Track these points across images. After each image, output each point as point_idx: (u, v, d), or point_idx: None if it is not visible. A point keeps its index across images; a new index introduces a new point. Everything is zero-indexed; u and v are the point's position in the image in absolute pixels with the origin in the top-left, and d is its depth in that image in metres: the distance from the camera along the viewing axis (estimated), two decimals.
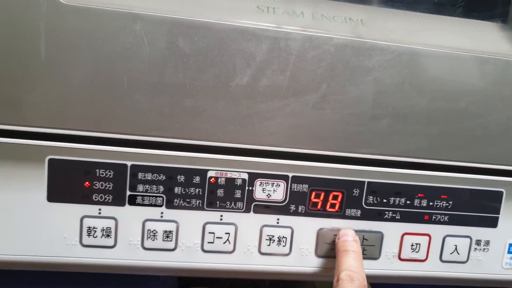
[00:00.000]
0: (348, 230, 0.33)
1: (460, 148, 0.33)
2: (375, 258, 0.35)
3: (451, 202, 0.35)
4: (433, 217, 0.35)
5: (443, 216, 0.35)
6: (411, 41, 0.32)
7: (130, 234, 0.31)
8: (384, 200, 0.34)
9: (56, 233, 0.31)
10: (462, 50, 0.32)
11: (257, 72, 0.30)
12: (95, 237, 0.31)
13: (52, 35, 0.28)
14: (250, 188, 0.32)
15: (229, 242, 0.32)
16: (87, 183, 0.30)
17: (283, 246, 0.33)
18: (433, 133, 0.33)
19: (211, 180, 0.31)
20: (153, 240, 0.31)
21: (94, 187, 0.30)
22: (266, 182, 0.32)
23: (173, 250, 0.32)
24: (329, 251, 0.34)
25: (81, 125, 0.29)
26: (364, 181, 0.33)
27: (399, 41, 0.31)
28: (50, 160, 0.30)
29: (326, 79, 0.31)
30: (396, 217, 0.34)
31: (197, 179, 0.31)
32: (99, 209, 0.31)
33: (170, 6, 0.29)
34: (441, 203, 0.34)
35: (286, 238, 0.33)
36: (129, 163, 0.30)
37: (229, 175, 0.32)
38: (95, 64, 0.28)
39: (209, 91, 0.30)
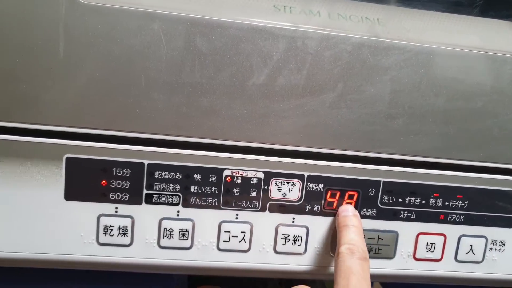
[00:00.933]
0: (347, 206, 0.33)
1: (477, 148, 0.33)
2: (390, 258, 0.34)
3: (466, 202, 0.34)
4: (449, 217, 0.34)
5: (458, 216, 0.35)
6: (428, 40, 0.32)
7: (146, 233, 0.31)
8: (400, 200, 0.34)
9: (73, 231, 0.31)
10: (479, 49, 0.32)
11: (274, 71, 0.30)
12: (112, 235, 0.31)
13: (70, 34, 0.28)
14: (266, 187, 0.32)
15: (245, 241, 0.32)
16: (104, 181, 0.30)
17: (298, 245, 0.33)
18: (449, 132, 0.32)
19: (227, 179, 0.31)
20: (169, 238, 0.32)
21: (111, 185, 0.30)
22: (282, 181, 0.32)
23: (189, 248, 0.32)
24: None
25: (99, 124, 0.29)
26: (380, 181, 0.33)
27: (416, 40, 0.31)
28: (67, 158, 0.30)
29: (343, 78, 0.31)
30: (411, 217, 0.34)
31: (213, 178, 0.31)
32: (116, 208, 0.31)
33: (188, 5, 0.29)
34: (457, 203, 0.34)
35: (301, 237, 0.33)
36: (146, 162, 0.30)
37: (245, 174, 0.32)
38: (113, 63, 0.28)
39: (226, 90, 0.30)
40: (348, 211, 0.32)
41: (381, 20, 0.32)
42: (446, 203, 0.34)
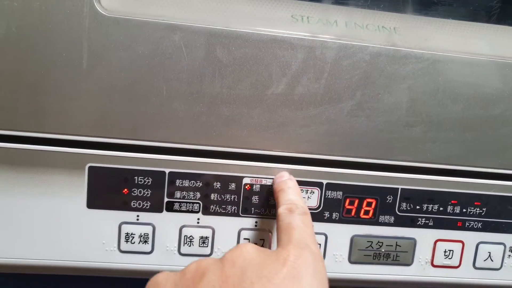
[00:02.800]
0: (282, 172, 0.32)
1: (494, 155, 0.33)
2: (408, 264, 0.35)
3: (484, 209, 0.34)
4: (466, 223, 0.35)
5: (476, 223, 0.35)
6: (445, 48, 0.32)
7: (167, 240, 0.32)
8: (417, 207, 0.34)
9: (95, 239, 0.31)
10: (496, 57, 0.32)
11: (293, 81, 0.30)
12: (133, 243, 0.31)
13: (93, 46, 0.28)
14: None
15: None
16: (125, 190, 0.31)
17: None
18: (467, 140, 0.33)
19: (246, 187, 0.32)
20: (189, 246, 0.32)
21: (132, 194, 0.31)
22: (301, 189, 0.32)
23: (208, 255, 0.32)
24: (363, 257, 0.34)
25: (121, 133, 0.30)
26: (398, 188, 0.33)
27: (433, 49, 0.31)
28: (90, 167, 0.30)
29: (361, 87, 0.31)
30: (429, 224, 0.34)
31: (232, 186, 0.32)
32: (137, 216, 0.31)
33: (208, 17, 0.30)
34: (475, 210, 0.34)
35: (319, 244, 0.33)
36: (167, 170, 0.31)
37: (263, 182, 0.32)
38: (135, 73, 0.29)
39: (246, 99, 0.30)
40: (283, 176, 0.32)
41: (398, 29, 0.33)
42: (464, 210, 0.34)
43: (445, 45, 0.32)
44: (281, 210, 0.28)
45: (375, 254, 0.34)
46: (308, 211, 0.29)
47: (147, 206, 0.31)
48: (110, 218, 0.31)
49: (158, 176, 0.31)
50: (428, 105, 0.32)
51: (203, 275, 0.23)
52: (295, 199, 0.29)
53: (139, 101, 0.29)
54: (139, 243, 0.32)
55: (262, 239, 0.33)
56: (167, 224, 0.32)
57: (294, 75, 0.30)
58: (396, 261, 0.34)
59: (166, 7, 0.30)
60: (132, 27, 0.28)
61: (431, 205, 0.34)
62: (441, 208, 0.34)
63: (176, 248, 0.32)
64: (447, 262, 0.35)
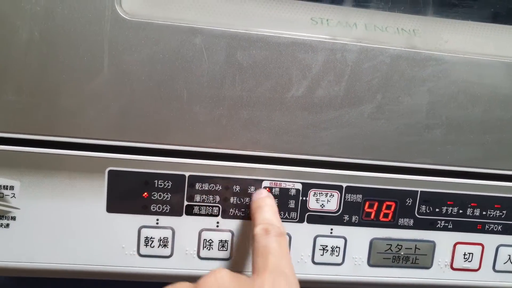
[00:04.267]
0: (260, 190, 0.31)
1: None
2: (427, 267, 0.34)
3: (504, 212, 0.34)
4: (486, 226, 0.34)
5: (496, 225, 0.34)
6: (465, 50, 0.32)
7: (186, 244, 0.32)
8: (437, 210, 0.34)
9: (115, 243, 0.31)
10: None
11: (313, 83, 0.30)
12: (152, 247, 0.31)
13: (114, 49, 0.28)
14: (304, 198, 0.32)
15: None
16: (145, 194, 0.31)
17: (336, 255, 0.33)
18: (487, 142, 0.32)
19: (266, 190, 0.32)
20: (209, 249, 0.32)
21: (152, 197, 0.31)
22: (320, 192, 0.32)
23: (228, 259, 0.32)
24: (382, 260, 0.34)
25: (141, 137, 0.30)
26: (417, 191, 0.33)
27: (453, 51, 0.31)
28: (110, 171, 0.30)
29: (381, 90, 0.31)
30: (449, 227, 0.34)
31: (252, 189, 0.32)
32: (157, 220, 0.31)
33: (229, 20, 0.30)
34: (494, 213, 0.34)
35: (339, 248, 0.33)
36: (187, 174, 0.31)
37: (283, 185, 0.32)
38: (155, 77, 0.29)
39: (266, 102, 0.30)
40: (261, 193, 0.31)
41: (417, 31, 0.32)
42: (484, 213, 0.34)
43: (465, 47, 0.32)
44: (257, 230, 0.28)
45: (394, 257, 0.34)
46: (285, 232, 0.29)
47: (166, 210, 0.31)
48: (130, 222, 0.31)
49: (178, 179, 0.31)
50: (448, 108, 0.32)
51: None
52: (271, 219, 0.29)
53: (159, 105, 0.29)
54: (158, 247, 0.31)
55: None
56: (186, 227, 0.31)
57: (314, 77, 0.30)
58: (415, 264, 0.34)
59: (186, 10, 0.29)
60: (153, 31, 0.28)
61: (451, 208, 0.34)
62: (460, 211, 0.34)
63: (196, 252, 0.32)
64: (466, 265, 0.35)
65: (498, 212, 0.34)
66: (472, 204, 0.34)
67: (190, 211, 0.31)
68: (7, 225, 0.30)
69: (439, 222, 0.34)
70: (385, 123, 0.31)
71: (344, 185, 0.32)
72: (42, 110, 0.28)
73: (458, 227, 0.34)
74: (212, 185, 0.31)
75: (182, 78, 0.29)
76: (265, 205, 0.30)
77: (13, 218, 0.30)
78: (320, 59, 0.30)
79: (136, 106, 0.29)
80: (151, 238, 0.31)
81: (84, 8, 0.28)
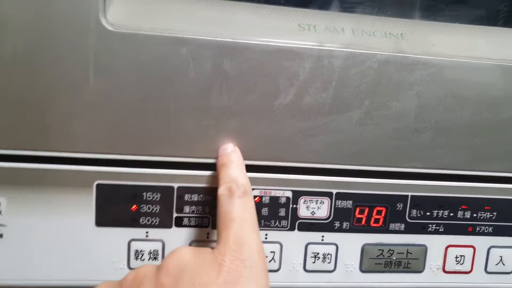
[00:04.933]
0: (226, 145, 0.30)
1: (504, 159, 0.33)
2: (419, 271, 0.34)
3: (495, 213, 0.34)
4: (477, 228, 0.34)
5: (487, 227, 0.34)
6: (453, 54, 0.31)
7: None
8: (428, 213, 0.34)
9: (105, 257, 0.31)
10: (505, 61, 0.32)
11: (301, 91, 0.30)
12: (143, 260, 0.31)
13: (100, 62, 0.28)
14: (294, 206, 0.32)
15: (274, 261, 0.32)
16: (134, 206, 0.30)
17: (328, 263, 0.33)
18: (476, 145, 0.32)
19: (256, 199, 0.31)
20: None
21: (141, 210, 0.30)
22: (310, 199, 0.32)
23: None
24: (374, 266, 0.34)
25: (129, 150, 0.29)
26: (408, 195, 0.33)
27: (441, 55, 0.31)
28: (98, 185, 0.30)
29: (369, 95, 0.31)
30: (440, 230, 0.34)
31: None
32: (147, 232, 0.31)
33: (215, 29, 0.29)
34: (485, 214, 0.34)
35: (331, 254, 0.33)
36: (175, 185, 0.30)
37: (273, 193, 0.32)
38: (142, 88, 0.28)
39: (253, 111, 0.30)
40: (227, 148, 0.29)
41: (405, 35, 0.32)
42: (474, 215, 0.34)
43: (452, 50, 0.32)
44: (221, 190, 0.26)
45: (386, 262, 0.34)
46: (250, 190, 0.27)
47: (156, 222, 0.31)
48: (119, 236, 0.31)
49: (166, 191, 0.30)
50: (436, 111, 0.32)
51: (139, 286, 0.22)
52: (236, 176, 0.27)
53: (146, 116, 0.29)
54: (148, 260, 0.31)
55: (272, 252, 0.32)
56: (176, 240, 0.31)
57: (302, 85, 0.30)
58: (407, 269, 0.34)
59: (172, 20, 0.29)
60: (139, 42, 0.28)
61: (441, 211, 0.34)
62: (451, 214, 0.34)
63: None
64: (458, 267, 0.35)
65: (488, 214, 0.34)
66: (462, 206, 0.34)
67: (179, 223, 0.31)
68: None
69: (430, 225, 0.34)
70: (374, 129, 0.31)
71: (334, 191, 0.32)
72: (26, 125, 0.28)
73: (449, 230, 0.34)
74: (201, 196, 0.31)
75: (169, 89, 0.29)
76: (230, 162, 0.28)
77: (0, 236, 0.30)
78: (307, 66, 0.30)
79: (123, 118, 0.29)
80: (141, 251, 0.31)
81: (69, 21, 0.27)
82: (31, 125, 0.28)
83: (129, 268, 0.31)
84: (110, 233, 0.30)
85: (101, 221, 0.30)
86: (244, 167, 0.29)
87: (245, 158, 0.30)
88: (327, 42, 0.30)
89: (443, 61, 0.31)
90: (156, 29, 0.28)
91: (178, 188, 0.30)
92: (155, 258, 0.31)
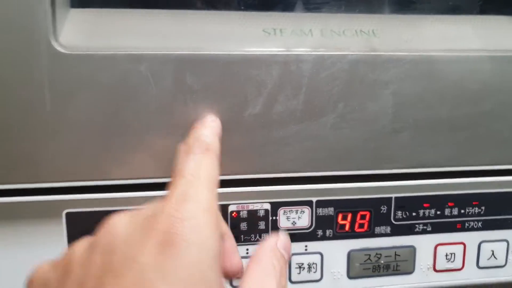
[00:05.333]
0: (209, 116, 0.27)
1: (488, 152, 0.32)
2: (409, 273, 0.33)
3: (483, 208, 0.33)
4: (466, 224, 0.33)
5: (476, 222, 0.33)
6: (428, 48, 0.30)
7: None
8: (414, 214, 0.33)
9: None
10: (482, 51, 0.30)
11: (270, 99, 0.29)
12: None
13: (56, 86, 0.26)
14: (274, 218, 0.31)
15: None
16: None
17: (314, 272, 0.32)
18: (458, 140, 0.31)
19: (233, 214, 0.30)
20: None
21: None
22: (290, 210, 0.31)
23: None
24: (362, 271, 0.33)
25: (94, 175, 0.28)
26: (391, 197, 0.32)
27: (414, 50, 0.30)
28: (67, 214, 0.29)
29: (342, 98, 0.29)
30: (428, 229, 0.33)
31: None
32: None
33: (174, 42, 0.28)
34: (473, 210, 0.33)
35: (316, 264, 0.32)
36: None
37: (250, 207, 0.31)
38: (102, 110, 0.27)
39: (222, 124, 0.29)
40: (205, 118, 0.27)
41: (377, 32, 0.31)
42: (462, 211, 0.33)
43: (427, 44, 0.30)
44: (181, 145, 0.24)
45: (374, 267, 0.33)
46: (214, 149, 0.24)
47: None
48: None
49: None
50: (414, 109, 0.30)
51: (71, 269, 0.19)
52: (201, 133, 0.25)
53: (109, 139, 0.28)
54: None
55: None
56: None
57: (271, 93, 0.29)
58: (396, 271, 0.33)
59: (128, 37, 0.28)
60: (95, 63, 0.26)
61: (428, 210, 0.33)
62: (438, 212, 0.33)
63: None
64: (449, 265, 0.34)
65: (476, 209, 0.33)
66: (449, 204, 0.33)
67: None
68: None
69: (417, 226, 0.33)
70: (350, 132, 0.30)
71: (314, 199, 0.31)
72: None
73: (437, 228, 0.33)
74: None
75: (131, 109, 0.27)
76: (202, 125, 0.26)
77: None
78: (275, 73, 0.28)
79: (85, 143, 0.27)
80: None
81: (19, 46, 0.26)
82: None
83: None
84: None
85: None
86: (218, 133, 0.26)
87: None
88: (295, 47, 0.29)
89: (417, 56, 0.30)
90: (112, 48, 0.27)
91: None
92: None
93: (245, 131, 0.29)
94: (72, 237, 0.29)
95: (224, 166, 0.29)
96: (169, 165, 0.28)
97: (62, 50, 0.26)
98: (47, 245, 0.29)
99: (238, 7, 0.29)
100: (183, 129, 0.28)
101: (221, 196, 0.30)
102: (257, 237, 0.31)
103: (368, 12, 0.31)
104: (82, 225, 0.29)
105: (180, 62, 0.27)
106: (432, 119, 0.31)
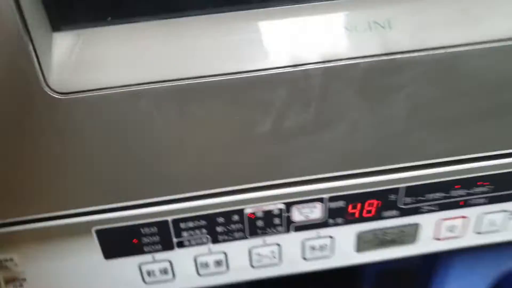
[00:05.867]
0: None
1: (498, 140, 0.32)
2: (412, 243, 0.37)
3: (487, 187, 0.34)
4: (469, 201, 0.35)
5: (479, 199, 0.35)
6: (451, 42, 0.28)
7: (186, 269, 0.34)
8: (421, 198, 0.34)
9: (121, 282, 0.34)
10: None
11: (279, 117, 0.28)
12: (155, 275, 0.34)
13: (59, 129, 0.26)
14: (288, 214, 0.33)
15: (275, 258, 0.35)
16: (135, 240, 0.32)
17: (325, 252, 0.35)
18: (470, 132, 0.31)
19: (250, 215, 0.32)
20: (206, 269, 0.34)
21: (142, 242, 0.32)
22: (303, 206, 0.33)
23: (224, 273, 0.35)
24: (370, 246, 0.36)
25: (119, 199, 0.30)
26: (398, 188, 0.33)
27: (435, 46, 0.27)
28: (97, 230, 0.31)
29: (354, 106, 0.28)
30: (433, 209, 0.35)
31: (235, 217, 0.32)
32: (153, 256, 0.33)
33: (174, 70, 0.26)
34: (478, 189, 0.34)
35: (327, 245, 0.35)
36: (169, 218, 0.31)
37: (265, 208, 0.32)
38: (113, 145, 0.27)
39: (234, 144, 0.29)
40: None
41: (393, 22, 0.28)
42: (467, 191, 0.34)
43: (449, 37, 0.28)
44: None
45: (381, 242, 0.36)
46: None
47: (159, 248, 0.33)
48: (129, 263, 0.33)
49: (162, 225, 0.32)
50: (428, 108, 0.29)
51: None
52: None
53: (125, 169, 0.28)
54: (159, 275, 0.34)
55: (272, 251, 0.35)
56: (181, 257, 0.34)
57: (280, 110, 0.28)
58: (401, 244, 0.36)
59: (122, 66, 0.26)
60: (93, 103, 0.26)
61: (434, 194, 0.34)
62: (444, 194, 0.34)
63: (195, 273, 0.35)
64: (451, 234, 0.37)
65: (480, 188, 0.34)
66: (456, 186, 0.34)
67: (181, 245, 0.33)
68: (21, 285, 0.33)
69: (423, 207, 0.35)
70: (362, 136, 0.30)
71: (326, 196, 0.33)
72: (16, 196, 0.28)
73: (442, 208, 0.35)
74: (196, 222, 0.32)
75: (140, 140, 0.27)
76: None
77: (24, 280, 0.33)
78: (283, 92, 0.27)
79: (104, 174, 0.28)
80: (152, 271, 0.34)
81: (15, 96, 0.25)
82: (17, 196, 0.28)
83: (145, 282, 0.34)
84: (120, 262, 0.33)
85: (108, 255, 0.33)
86: None
87: (233, 185, 0.31)
88: (302, 60, 0.27)
89: (435, 55, 0.27)
90: (109, 85, 0.25)
91: (173, 220, 0.32)
92: (165, 273, 0.34)
93: (255, 148, 0.29)
94: (105, 246, 0.32)
95: (237, 180, 0.30)
96: (186, 183, 0.30)
97: (56, 96, 0.25)
98: (84, 254, 0.32)
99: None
100: (195, 153, 0.28)
101: (237, 202, 0.31)
102: (272, 229, 0.34)
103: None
104: (111, 237, 0.32)
105: (180, 92, 0.26)
106: (444, 116, 0.30)
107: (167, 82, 0.26)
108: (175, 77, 0.26)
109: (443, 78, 0.28)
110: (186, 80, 0.26)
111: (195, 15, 0.27)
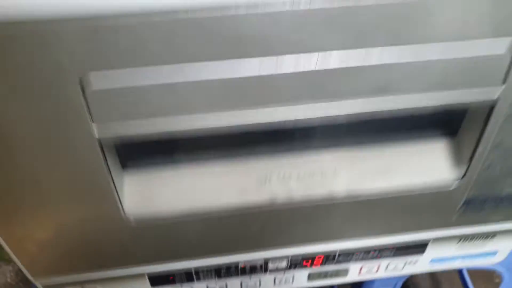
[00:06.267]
0: None
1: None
2: (344, 276, 0.58)
3: (391, 250, 0.54)
4: (380, 256, 0.55)
5: (386, 256, 0.55)
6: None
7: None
8: (349, 256, 0.54)
9: None
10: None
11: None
12: None
13: (128, 245, 0.45)
14: (266, 264, 0.53)
15: (257, 286, 0.56)
16: (171, 277, 0.52)
17: (288, 283, 0.56)
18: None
19: (242, 266, 0.52)
20: None
21: (175, 278, 0.52)
22: (275, 261, 0.53)
23: None
24: (316, 278, 0.57)
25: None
26: (337, 251, 0.53)
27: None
28: (148, 274, 0.51)
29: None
30: (358, 260, 0.55)
31: (233, 268, 0.52)
32: (181, 285, 0.54)
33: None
34: (385, 252, 0.55)
35: (289, 278, 0.56)
36: (193, 270, 0.51)
37: (252, 263, 0.52)
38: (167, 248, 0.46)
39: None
40: None
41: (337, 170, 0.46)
42: (379, 251, 0.55)
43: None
44: None
45: (324, 275, 0.57)
46: None
47: (185, 280, 0.53)
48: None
49: (188, 271, 0.51)
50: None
51: None
52: None
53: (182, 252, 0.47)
54: None
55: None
56: (198, 286, 0.54)
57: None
58: (336, 277, 0.57)
59: (174, 203, 0.44)
60: (161, 228, 0.44)
61: (359, 254, 0.54)
62: (363, 254, 0.54)
63: None
64: (369, 273, 0.58)
65: (388, 251, 0.54)
66: (372, 252, 0.54)
67: (198, 279, 0.53)
68: None
69: (352, 260, 0.55)
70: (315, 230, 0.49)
71: (290, 255, 0.52)
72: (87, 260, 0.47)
73: (363, 259, 0.55)
74: (207, 269, 0.52)
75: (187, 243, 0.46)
76: None
77: None
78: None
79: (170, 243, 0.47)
80: None
81: (98, 219, 0.43)
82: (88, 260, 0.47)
83: None
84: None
85: (153, 284, 0.53)
86: None
87: (230, 253, 0.50)
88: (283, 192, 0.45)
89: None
90: (170, 214, 0.43)
91: (194, 268, 0.51)
92: None
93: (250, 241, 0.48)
94: (153, 282, 0.52)
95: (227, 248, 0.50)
96: (203, 251, 0.49)
97: (133, 225, 0.43)
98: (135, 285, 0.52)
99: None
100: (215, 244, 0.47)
101: (234, 261, 0.51)
102: (256, 273, 0.54)
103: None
104: (162, 279, 0.51)
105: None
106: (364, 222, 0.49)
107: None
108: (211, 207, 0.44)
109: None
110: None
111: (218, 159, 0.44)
